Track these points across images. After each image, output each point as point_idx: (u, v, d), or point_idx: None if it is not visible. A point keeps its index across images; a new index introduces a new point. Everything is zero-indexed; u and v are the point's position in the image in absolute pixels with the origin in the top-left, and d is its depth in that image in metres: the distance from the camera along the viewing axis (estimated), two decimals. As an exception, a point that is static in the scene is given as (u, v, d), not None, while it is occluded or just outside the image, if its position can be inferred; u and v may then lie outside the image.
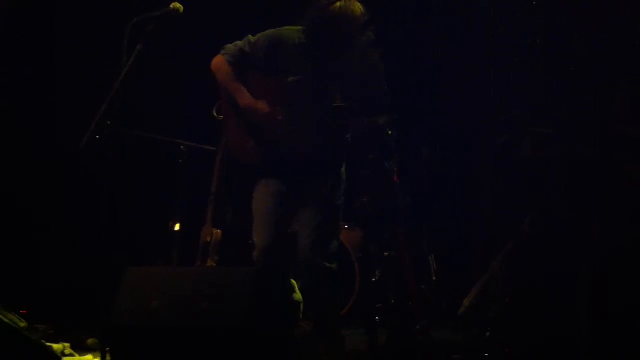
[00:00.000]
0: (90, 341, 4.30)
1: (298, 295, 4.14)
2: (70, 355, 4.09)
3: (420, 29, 5.68)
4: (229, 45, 4.01)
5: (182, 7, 3.70)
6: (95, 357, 4.03)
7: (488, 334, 4.12)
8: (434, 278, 5.23)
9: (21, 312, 4.37)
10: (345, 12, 3.76)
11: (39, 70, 5.50)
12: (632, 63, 4.17)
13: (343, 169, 4.10)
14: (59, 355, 3.92)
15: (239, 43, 3.99)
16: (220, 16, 5.65)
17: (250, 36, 3.99)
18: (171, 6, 3.68)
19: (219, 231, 4.93)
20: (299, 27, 3.94)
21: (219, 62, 4.01)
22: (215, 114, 4.23)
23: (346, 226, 5.37)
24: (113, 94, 3.45)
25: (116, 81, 3.46)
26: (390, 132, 4.80)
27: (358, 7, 3.80)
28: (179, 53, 5.61)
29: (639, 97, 4.14)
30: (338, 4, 3.77)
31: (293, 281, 4.07)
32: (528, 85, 4.65)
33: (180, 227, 4.94)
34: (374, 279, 5.05)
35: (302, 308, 4.11)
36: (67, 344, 4.15)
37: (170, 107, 5.67)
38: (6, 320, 3.81)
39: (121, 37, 3.49)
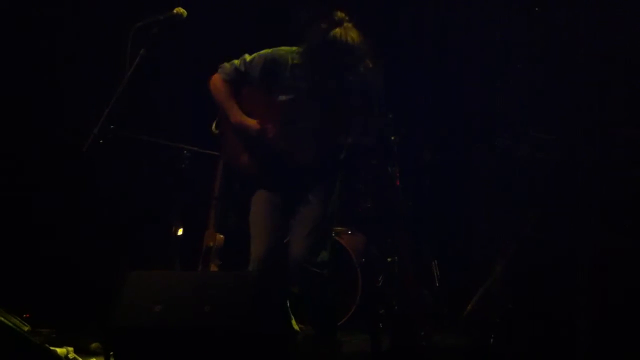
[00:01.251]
0: (93, 345, 4.30)
1: (295, 325, 4.18)
2: (74, 359, 4.09)
3: (420, 32, 5.69)
4: (225, 64, 4.09)
5: (185, 12, 3.71)
6: (98, 361, 4.03)
7: (492, 340, 4.12)
8: (437, 283, 5.23)
9: (24, 315, 4.36)
10: (343, 40, 3.78)
11: (43, 74, 5.51)
12: (631, 64, 4.18)
13: (339, 178, 4.12)
14: (63, 359, 3.92)
15: (235, 61, 4.07)
16: (224, 20, 5.66)
17: (246, 55, 4.06)
18: (175, 10, 3.70)
19: (221, 236, 4.93)
20: (294, 48, 3.99)
21: (214, 79, 4.09)
22: (214, 129, 4.26)
23: (349, 231, 5.37)
24: (116, 97, 3.46)
25: (119, 85, 3.47)
26: (393, 137, 4.82)
27: (356, 36, 3.81)
28: (181, 57, 5.62)
29: (638, 99, 4.15)
30: (337, 30, 3.79)
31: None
32: (528, 87, 4.65)
33: (183, 231, 4.94)
34: (376, 285, 5.04)
35: (298, 338, 4.16)
36: (70, 348, 4.14)
37: (173, 111, 5.67)
38: (9, 324, 3.80)
39: (125, 41, 3.51)
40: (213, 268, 4.85)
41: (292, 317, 4.32)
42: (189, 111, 5.65)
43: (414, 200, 5.08)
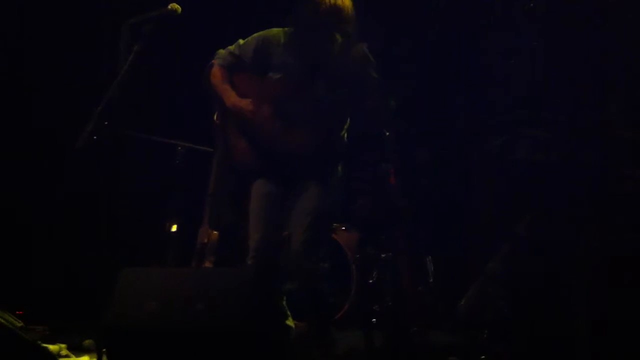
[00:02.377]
0: (86, 342, 4.29)
1: (290, 322, 4.18)
2: (67, 356, 4.09)
3: (417, 31, 5.68)
4: (220, 50, 4.13)
5: (180, 8, 3.70)
6: (91, 358, 4.02)
7: (485, 335, 4.12)
8: (431, 280, 5.22)
9: (17, 312, 4.36)
10: (339, 8, 3.83)
11: (35, 71, 5.49)
12: (631, 66, 4.18)
13: (339, 169, 4.11)
14: (55, 356, 3.91)
15: (230, 47, 4.11)
16: (218, 17, 5.65)
17: (240, 40, 4.10)
18: (169, 7, 3.68)
19: (215, 232, 4.92)
20: (285, 28, 4.03)
21: (212, 67, 4.11)
22: (215, 119, 4.25)
23: (343, 228, 5.36)
24: (110, 94, 3.45)
25: (113, 81, 3.46)
26: (387, 134, 4.80)
27: (349, 3, 3.87)
28: (176, 53, 5.60)
29: (637, 100, 4.15)
30: None
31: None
32: (525, 87, 4.65)
33: (177, 228, 4.93)
34: (370, 281, 5.04)
35: (292, 333, 4.15)
36: (63, 345, 4.14)
37: (167, 108, 5.66)
38: (2, 321, 3.80)
39: (119, 37, 3.49)
40: (207, 265, 4.84)
41: (289, 313, 4.32)
42: (183, 108, 5.65)
43: (410, 197, 5.07)
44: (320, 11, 3.83)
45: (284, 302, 4.20)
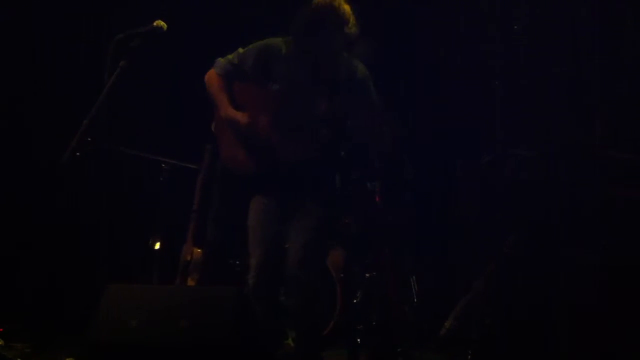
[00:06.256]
0: (68, 360, 4.26)
1: (289, 343, 4.14)
2: (48, 374, 4.05)
3: (405, 49, 5.71)
4: (220, 59, 4.06)
5: (165, 25, 3.70)
6: (73, 376, 3.99)
7: (469, 356, 4.13)
8: (416, 299, 5.22)
9: (-2, 330, 4.33)
10: (335, 8, 3.80)
11: (19, 86, 5.48)
12: (617, 87, 4.22)
13: (337, 185, 4.08)
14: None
15: (229, 56, 4.04)
16: (205, 34, 5.66)
17: (240, 48, 4.04)
18: (155, 23, 3.68)
19: (199, 250, 4.90)
20: (287, 38, 3.98)
21: (209, 74, 4.05)
22: (213, 128, 4.22)
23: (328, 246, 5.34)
24: (95, 110, 3.44)
25: (98, 97, 3.45)
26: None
27: (348, 8, 3.83)
28: (162, 69, 5.60)
29: (625, 121, 4.18)
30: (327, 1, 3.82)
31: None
32: (513, 106, 4.68)
33: (161, 245, 4.91)
34: (355, 300, 5.03)
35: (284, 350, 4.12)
36: (44, 363, 4.11)
37: (152, 125, 5.65)
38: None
39: (105, 53, 3.49)
40: (191, 282, 4.82)
41: (287, 331, 4.27)
42: (169, 124, 5.64)
43: (395, 216, 5.08)
44: (316, 10, 3.81)
45: (284, 319, 4.14)
